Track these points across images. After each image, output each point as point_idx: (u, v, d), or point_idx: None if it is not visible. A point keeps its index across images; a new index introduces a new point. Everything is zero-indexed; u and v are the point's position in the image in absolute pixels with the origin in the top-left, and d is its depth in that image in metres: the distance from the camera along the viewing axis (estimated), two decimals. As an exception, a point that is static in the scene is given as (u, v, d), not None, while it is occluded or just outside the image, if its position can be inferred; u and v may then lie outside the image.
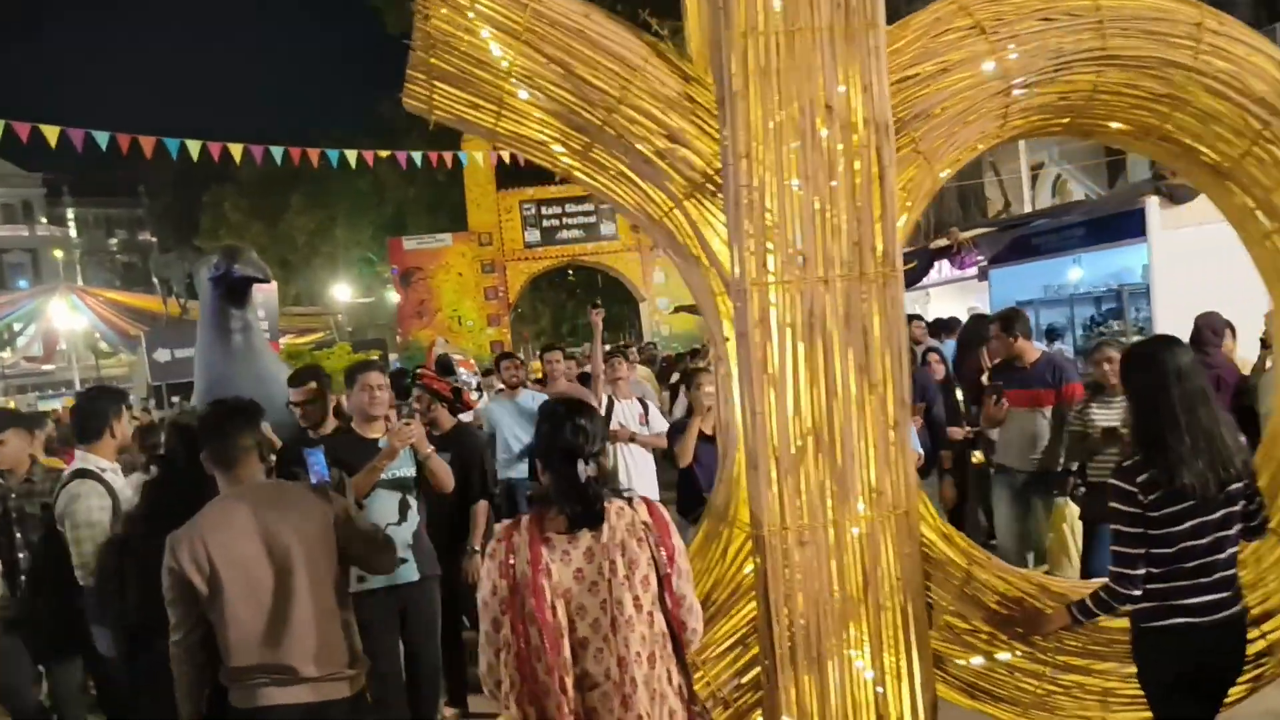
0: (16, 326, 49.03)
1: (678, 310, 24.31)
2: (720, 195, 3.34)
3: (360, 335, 36.09)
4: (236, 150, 13.11)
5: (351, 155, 14.27)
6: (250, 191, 45.10)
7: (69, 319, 44.65)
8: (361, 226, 43.65)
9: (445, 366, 10.99)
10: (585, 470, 2.78)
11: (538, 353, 28.67)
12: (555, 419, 2.86)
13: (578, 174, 3.52)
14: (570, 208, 28.73)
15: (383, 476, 4.88)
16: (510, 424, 7.84)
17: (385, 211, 43.87)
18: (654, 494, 8.11)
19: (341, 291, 40.05)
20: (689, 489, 6.39)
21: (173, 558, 3.22)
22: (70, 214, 70.88)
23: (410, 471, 5.11)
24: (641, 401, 8.27)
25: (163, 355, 25.61)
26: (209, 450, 3.42)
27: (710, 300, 3.51)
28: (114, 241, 73.29)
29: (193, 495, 3.50)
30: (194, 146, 12.74)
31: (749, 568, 3.37)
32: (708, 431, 6.21)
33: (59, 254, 66.97)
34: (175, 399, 23.15)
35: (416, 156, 15.51)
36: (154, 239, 67.97)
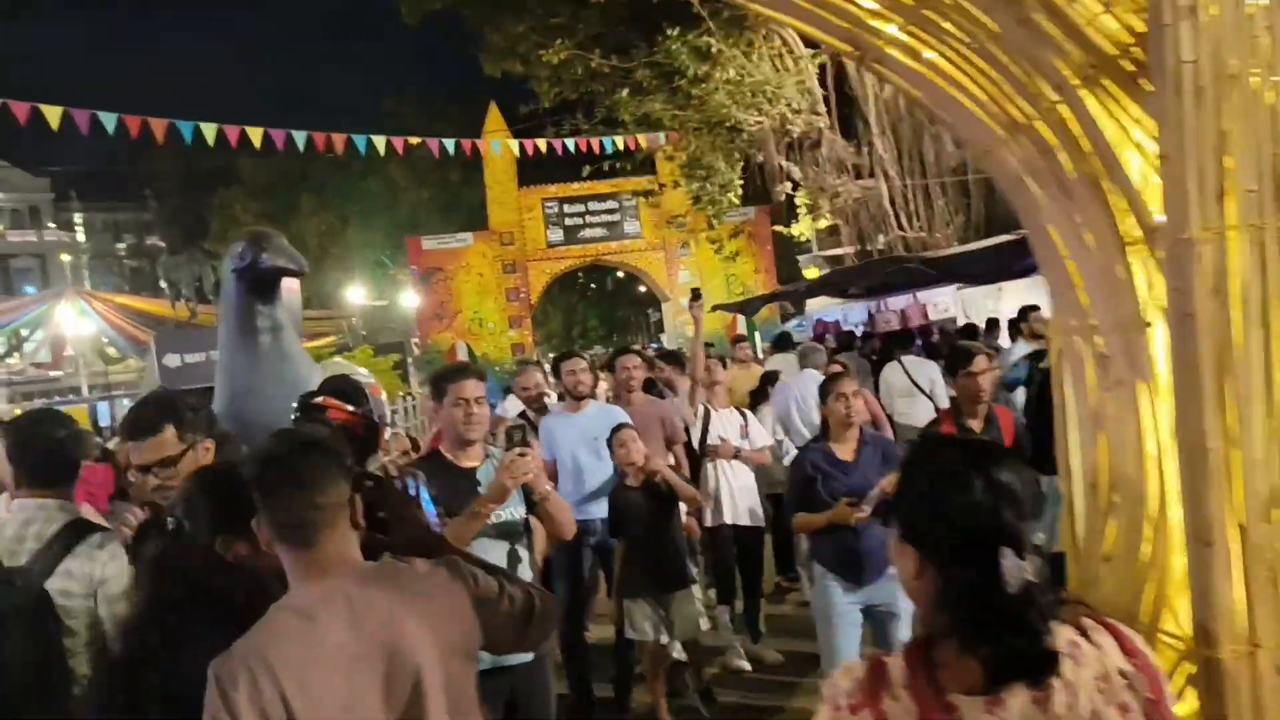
0: (24, 332, 47.74)
1: (715, 309, 22.95)
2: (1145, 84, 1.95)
3: (374, 339, 34.82)
4: (256, 135, 11.79)
5: (380, 141, 12.98)
6: (259, 194, 43.88)
7: (77, 324, 43.32)
8: (374, 228, 42.33)
9: (347, 393, 9.24)
10: (1019, 572, 1.44)
11: (550, 357, 27.46)
12: (941, 463, 1.53)
13: (893, 50, 2.14)
14: (593, 205, 27.41)
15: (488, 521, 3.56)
16: (577, 448, 5.82)
17: (398, 213, 42.56)
18: (754, 519, 6.79)
19: (355, 294, 38.66)
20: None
21: (222, 702, 1.86)
22: (78, 218, 69.54)
23: (520, 514, 3.76)
24: (740, 410, 6.93)
25: (173, 360, 24.15)
26: (271, 521, 2.04)
27: (1107, 256, 2.12)
28: (122, 246, 71.93)
29: (227, 585, 2.17)
30: (209, 130, 11.42)
31: (1186, 706, 2.00)
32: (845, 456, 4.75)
33: (66, 258, 65.75)
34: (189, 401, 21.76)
35: (450, 144, 14.17)
36: (162, 243, 66.66)
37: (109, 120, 10.68)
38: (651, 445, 5.58)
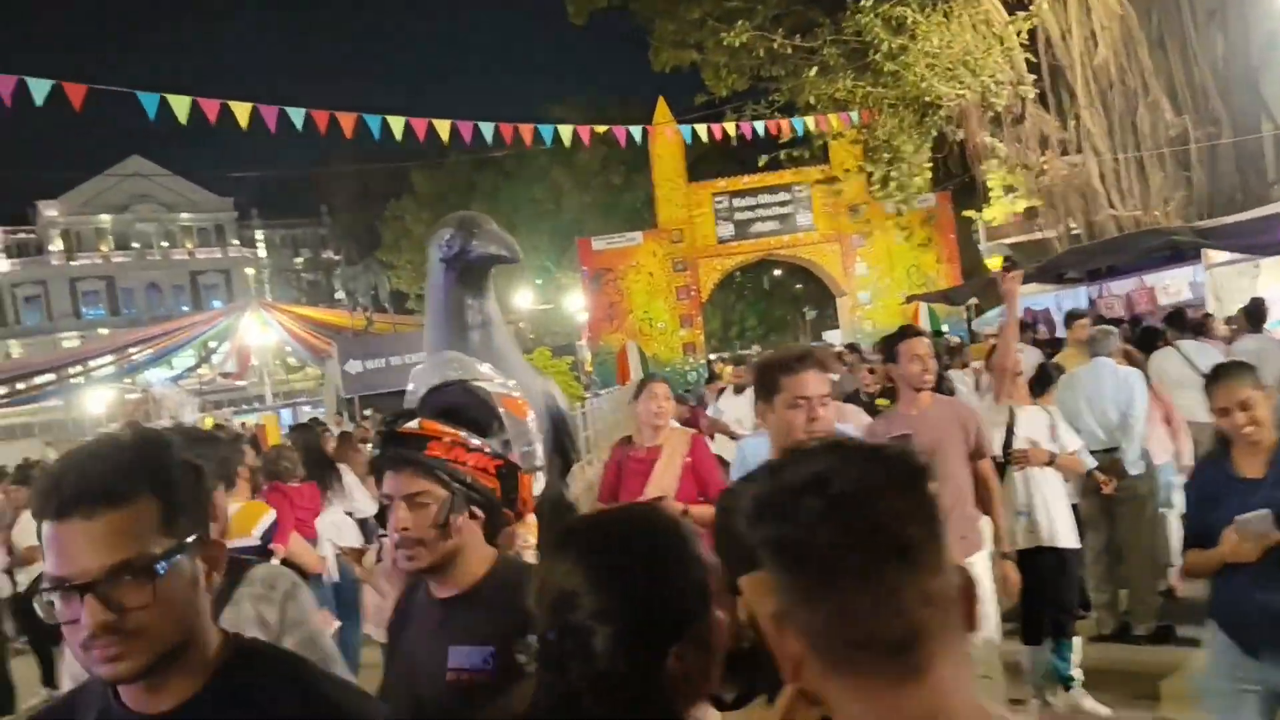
0: (212, 344, 49.62)
1: (910, 300, 21.45)
2: None
3: (539, 342, 34.51)
4: (444, 128, 11.08)
5: (566, 132, 12.17)
6: (430, 204, 44.32)
7: (261, 334, 44.64)
8: (539, 233, 42.20)
9: (464, 411, 6.59)
10: None
11: (707, 360, 26.24)
12: None
13: None
14: (764, 198, 26.17)
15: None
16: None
17: (561, 218, 42.33)
18: (1072, 537, 5.51)
19: (523, 298, 38.50)
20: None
21: None
22: (259, 235, 72.35)
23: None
24: (1046, 410, 5.62)
25: (354, 367, 24.29)
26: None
27: None
28: (299, 260, 74.53)
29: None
30: (397, 124, 10.75)
31: None
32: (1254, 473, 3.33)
33: (249, 272, 68.53)
34: (367, 412, 21.75)
35: (636, 132, 13.26)
36: (337, 256, 68.74)
37: (297, 116, 10.13)
38: (952, 460, 4.25)
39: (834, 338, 36.62)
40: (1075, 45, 16.95)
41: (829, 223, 25.94)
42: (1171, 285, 14.47)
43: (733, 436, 8.38)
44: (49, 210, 64.12)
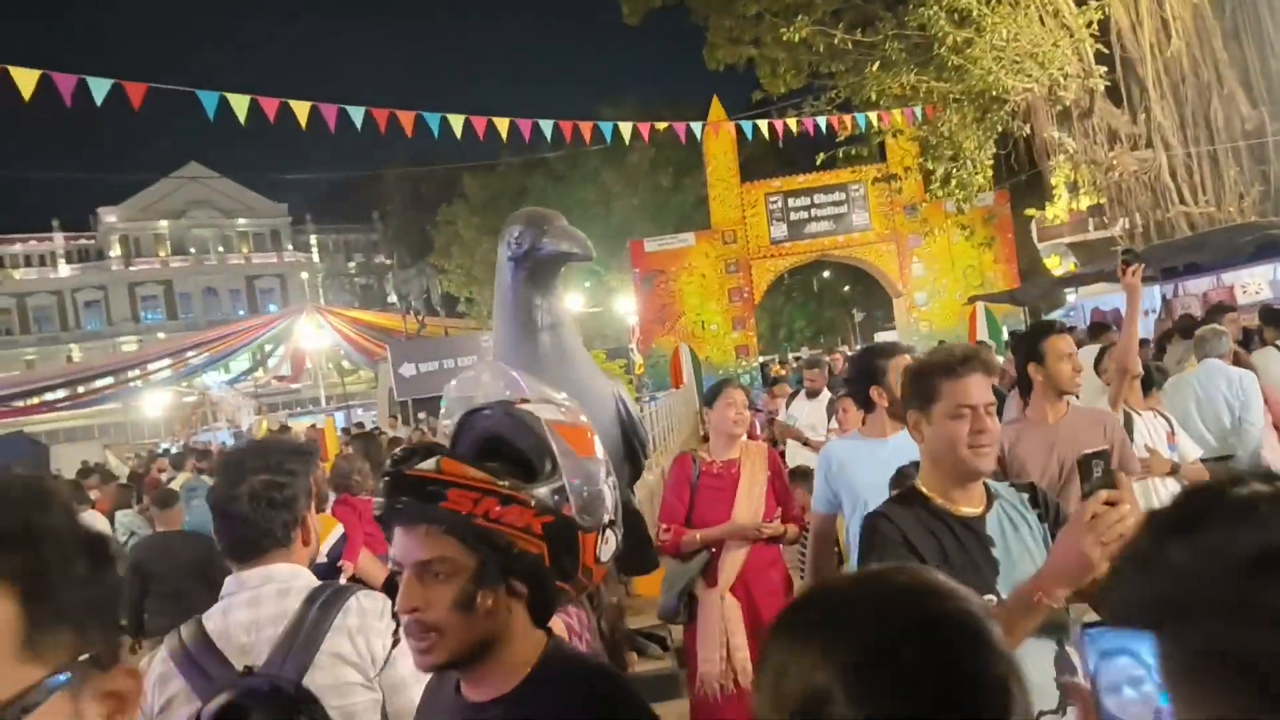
0: (268, 348, 50.07)
1: (972, 300, 20.85)
2: None
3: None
4: (503, 125, 10.82)
5: (625, 129, 11.87)
6: (480, 208, 44.35)
7: (315, 338, 44.95)
8: (589, 236, 41.93)
9: (508, 444, 4.89)
10: None
11: (760, 363, 25.73)
12: None
13: None
14: (819, 198, 25.69)
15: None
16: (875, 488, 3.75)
17: (610, 221, 42.11)
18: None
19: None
20: None
21: None
22: (313, 240, 72.97)
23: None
24: (1164, 416, 5.20)
25: (408, 370, 24.21)
26: None
27: None
28: (352, 264, 75.08)
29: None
30: (456, 122, 10.51)
31: None
32: None
33: (304, 276, 69.10)
34: (421, 415, 21.61)
35: (696, 128, 12.94)
36: (389, 261, 69.14)
37: (356, 115, 9.93)
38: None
39: (889, 340, 36.07)
40: (1146, 36, 16.36)
41: (885, 222, 25.41)
42: (1251, 284, 13.83)
43: (805, 443, 8.01)
44: (109, 216, 65.17)
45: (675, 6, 23.27)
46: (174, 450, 31.78)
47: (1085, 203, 19.46)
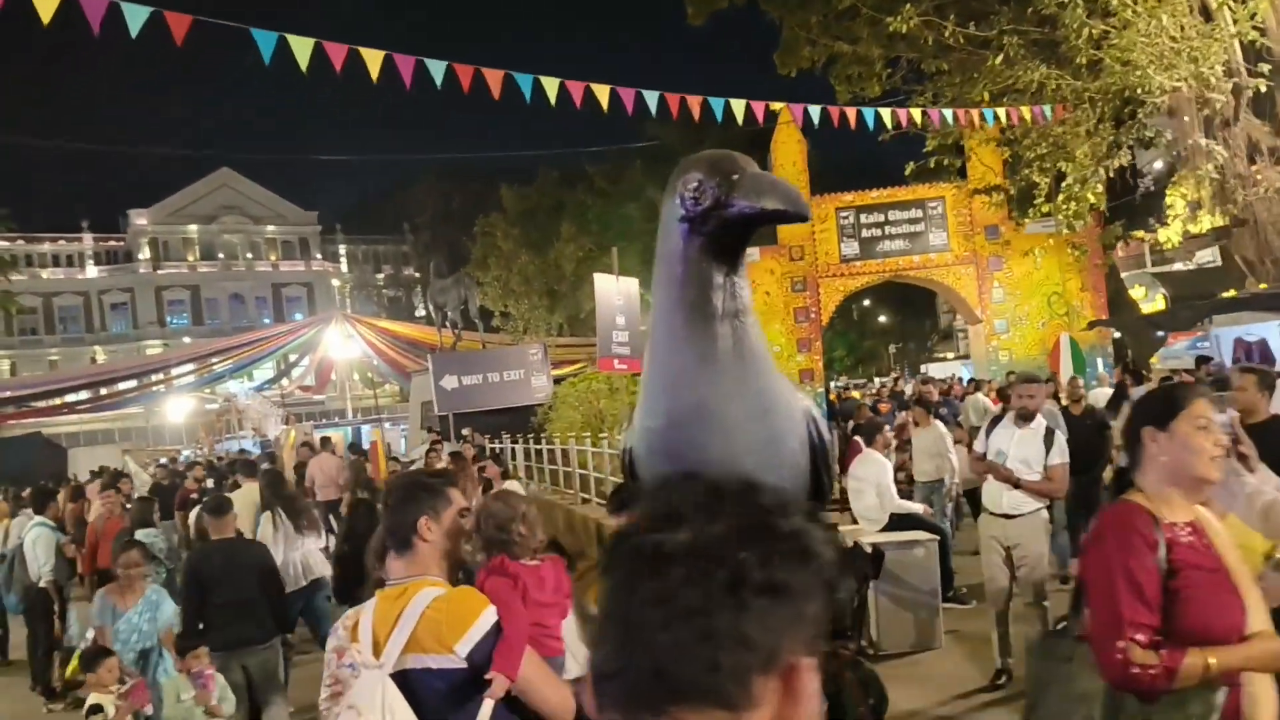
0: (292, 357, 48.46)
1: (1092, 326, 19.01)
2: None
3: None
4: (603, 93, 9.11)
5: (738, 106, 10.14)
6: (519, 220, 42.79)
7: (344, 347, 43.33)
8: (631, 253, 40.29)
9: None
10: None
11: (825, 387, 23.87)
12: None
13: None
14: (894, 214, 23.84)
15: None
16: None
17: (656, 239, 40.43)
18: None
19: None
20: None
21: None
22: (342, 250, 71.67)
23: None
24: None
25: (450, 383, 22.44)
26: None
27: None
28: (380, 276, 73.72)
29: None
30: (550, 85, 8.80)
31: None
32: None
33: (335, 284, 67.67)
34: (465, 431, 19.92)
35: (815, 112, 11.19)
36: (417, 274, 67.73)
37: (437, 70, 8.22)
38: None
39: (960, 370, 34.03)
40: (1298, 37, 14.52)
41: (964, 243, 23.53)
42: None
43: (1017, 485, 6.19)
44: (139, 219, 64.05)
45: (746, 6, 21.63)
46: (192, 455, 30.19)
47: (1206, 224, 17.54)
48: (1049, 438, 6.22)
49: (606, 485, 13.32)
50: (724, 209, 3.76)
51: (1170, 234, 19.07)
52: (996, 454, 6.29)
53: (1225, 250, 17.41)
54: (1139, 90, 13.19)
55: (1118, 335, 20.26)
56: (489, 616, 2.72)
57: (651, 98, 9.51)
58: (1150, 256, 28.20)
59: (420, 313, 61.35)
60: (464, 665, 2.68)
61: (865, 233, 23.84)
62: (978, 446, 6.61)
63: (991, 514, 6.44)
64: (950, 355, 50.36)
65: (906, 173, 18.88)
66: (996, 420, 6.65)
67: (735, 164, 3.92)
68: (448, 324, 30.04)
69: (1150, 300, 25.41)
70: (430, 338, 34.71)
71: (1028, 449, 6.21)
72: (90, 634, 6.07)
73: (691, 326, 4.08)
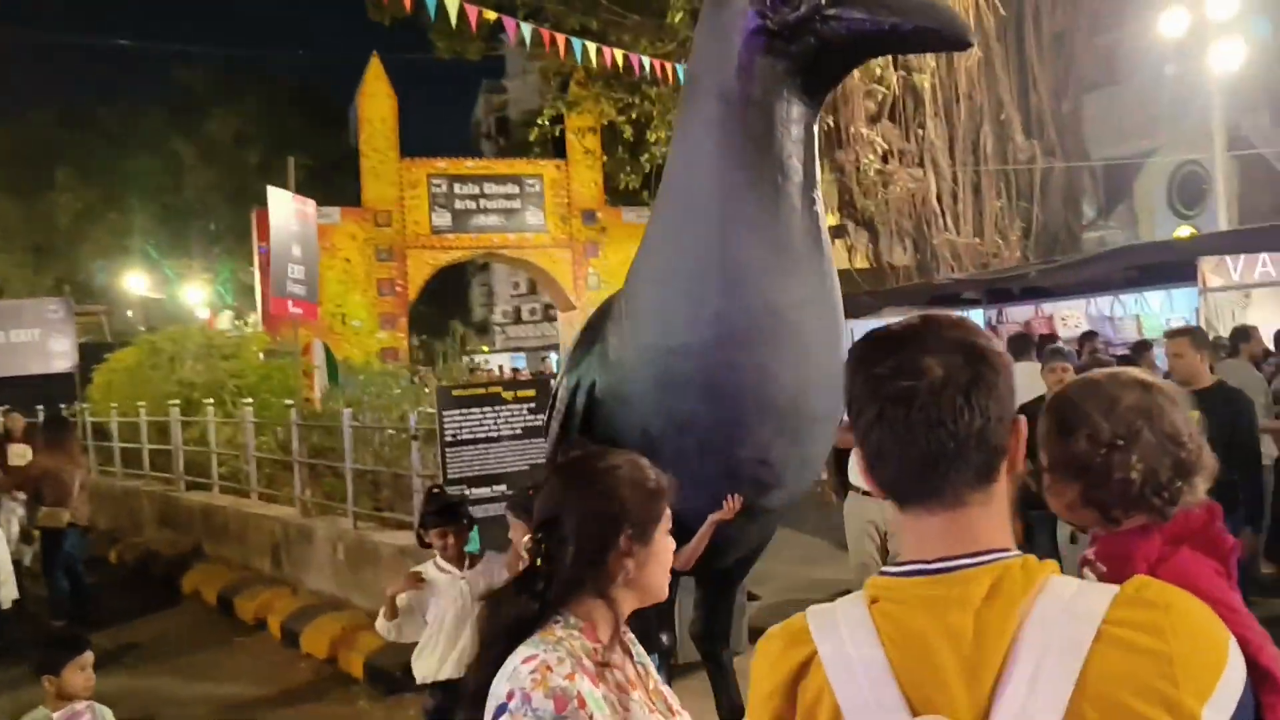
0: None
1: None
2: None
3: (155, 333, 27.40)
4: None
5: (591, 47, 7.64)
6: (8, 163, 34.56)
7: None
8: (145, 211, 34.43)
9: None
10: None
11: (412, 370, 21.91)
12: None
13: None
14: (490, 188, 22.06)
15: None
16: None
17: (183, 197, 35.01)
18: None
19: (137, 282, 30.85)
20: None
21: None
22: None
23: None
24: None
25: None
26: None
27: None
28: None
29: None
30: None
31: None
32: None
33: None
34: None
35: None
36: None
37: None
38: None
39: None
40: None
41: (561, 226, 22.38)
42: (1070, 316, 12.67)
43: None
44: None
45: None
46: None
47: (830, 221, 17.81)
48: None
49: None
50: (826, 22, 2.23)
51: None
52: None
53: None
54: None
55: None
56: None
57: None
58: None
59: None
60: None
61: (459, 204, 21.79)
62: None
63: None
64: (485, 349, 49.39)
65: (531, 138, 17.29)
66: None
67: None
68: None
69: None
70: None
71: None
72: None
73: (758, 199, 2.51)
